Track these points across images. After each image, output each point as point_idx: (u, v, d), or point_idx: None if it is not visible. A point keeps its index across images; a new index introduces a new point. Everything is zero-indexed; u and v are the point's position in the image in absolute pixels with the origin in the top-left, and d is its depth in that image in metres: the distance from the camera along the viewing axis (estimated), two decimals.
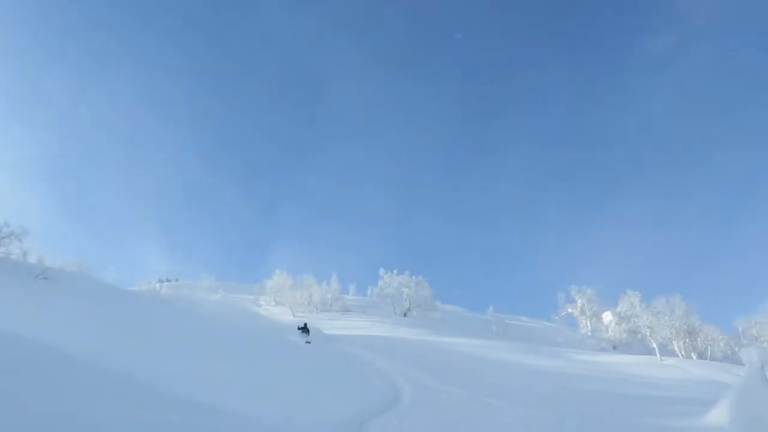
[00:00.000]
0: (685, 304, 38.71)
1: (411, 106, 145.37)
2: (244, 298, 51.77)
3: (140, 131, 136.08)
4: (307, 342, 24.13)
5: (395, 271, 51.74)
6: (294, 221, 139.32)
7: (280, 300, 50.14)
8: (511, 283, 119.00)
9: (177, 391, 6.54)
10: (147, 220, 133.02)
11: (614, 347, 42.10)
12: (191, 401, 6.11)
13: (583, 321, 47.11)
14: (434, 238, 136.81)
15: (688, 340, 38.32)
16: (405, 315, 48.52)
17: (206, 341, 14.90)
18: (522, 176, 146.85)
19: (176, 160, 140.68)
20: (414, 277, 50.88)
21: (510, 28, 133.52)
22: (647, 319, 37.80)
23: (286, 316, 40.81)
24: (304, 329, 26.58)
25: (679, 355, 36.79)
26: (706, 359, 36.24)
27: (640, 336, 40.06)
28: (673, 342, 37.97)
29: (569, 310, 48.29)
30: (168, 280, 59.68)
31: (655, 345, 35.52)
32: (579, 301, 47.67)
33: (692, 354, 37.96)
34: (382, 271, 51.82)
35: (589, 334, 45.61)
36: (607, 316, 44.88)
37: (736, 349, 35.71)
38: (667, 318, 37.52)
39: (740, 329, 39.64)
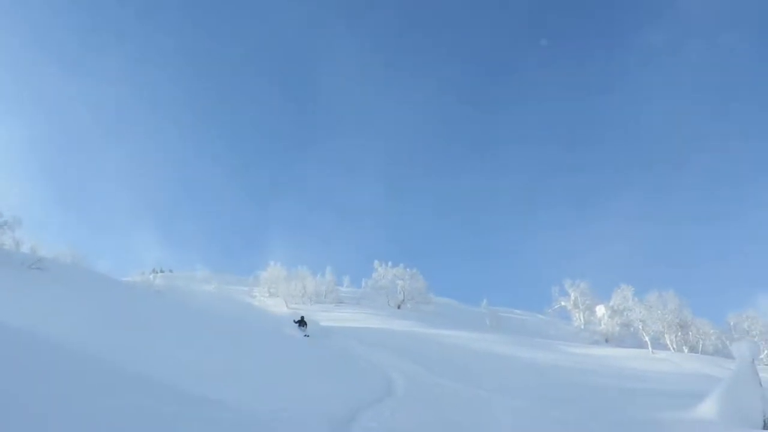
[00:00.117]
0: (677, 299, 39.03)
1: (407, 98, 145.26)
2: (238, 290, 51.76)
3: (135, 121, 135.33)
4: (305, 336, 23.75)
5: (390, 264, 51.99)
6: (289, 213, 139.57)
7: (274, 291, 50.19)
8: (505, 277, 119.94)
9: (171, 381, 6.53)
10: (142, 211, 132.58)
11: (606, 340, 42.41)
12: (185, 392, 6.10)
13: (576, 314, 47.45)
14: (429, 231, 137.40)
15: (680, 333, 38.67)
16: (399, 307, 48.71)
17: (200, 332, 14.88)
18: (517, 171, 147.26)
19: (171, 151, 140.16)
20: (408, 270, 51.15)
21: (505, 23, 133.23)
22: (640, 312, 38.11)
23: (280, 308, 40.85)
24: (301, 322, 26.07)
25: (671, 348, 37.13)
26: (698, 353, 36.61)
27: (632, 329, 40.39)
28: (665, 336, 38.30)
29: (562, 304, 48.63)
30: (162, 271, 59.52)
31: (647, 338, 35.85)
32: (572, 294, 48.00)
33: (684, 348, 38.33)
34: (376, 263, 52.06)
35: (582, 327, 45.96)
36: (600, 310, 45.20)
37: (727, 343, 36.04)
38: (659, 312, 37.82)
39: (731, 323, 39.99)
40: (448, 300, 58.45)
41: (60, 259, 30.97)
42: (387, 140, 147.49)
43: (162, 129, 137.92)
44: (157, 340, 11.43)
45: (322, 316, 33.18)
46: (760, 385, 11.81)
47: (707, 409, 11.61)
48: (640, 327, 37.51)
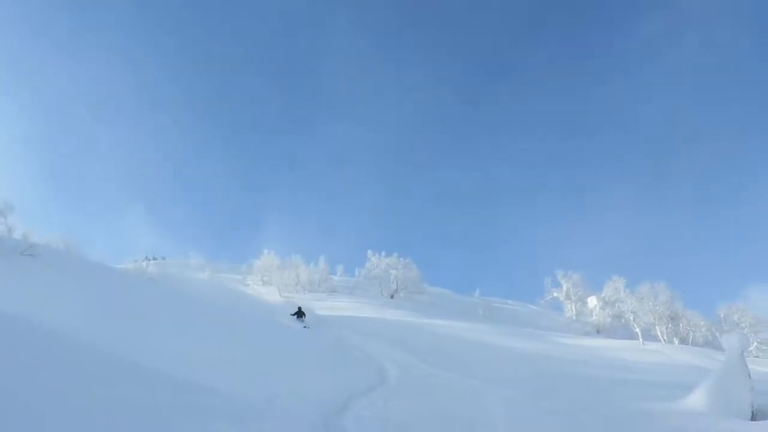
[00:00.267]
0: (668, 291, 39.32)
1: (403, 87, 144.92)
2: (231, 278, 51.66)
3: (128, 108, 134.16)
4: (304, 327, 23.29)
5: (383, 253, 51.95)
6: (283, 202, 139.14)
7: (267, 280, 50.15)
8: (498, 267, 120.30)
9: (164, 369, 6.53)
10: (135, 198, 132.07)
11: (598, 331, 42.76)
12: (179, 380, 6.11)
13: (568, 305, 47.80)
14: (423, 221, 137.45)
15: (670, 325, 39.02)
16: (392, 297, 48.77)
17: (193, 321, 14.86)
18: (512, 162, 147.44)
19: (165, 139, 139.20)
20: (402, 259, 51.14)
21: (502, 13, 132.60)
22: (631, 304, 38.38)
23: (273, 296, 40.83)
24: (299, 313, 25.51)
25: (662, 340, 37.46)
26: (688, 344, 36.95)
27: (623, 321, 40.68)
28: (656, 327, 38.62)
29: (555, 294, 48.97)
30: (155, 259, 59.34)
31: (638, 330, 36.12)
32: (565, 285, 48.32)
33: (674, 339, 38.68)
34: (369, 252, 52.01)
35: (574, 318, 46.31)
36: (592, 301, 45.53)
37: (718, 335, 36.34)
38: (650, 303, 38.10)
39: (722, 315, 40.34)
40: (442, 290, 58.60)
41: (52, 245, 30.78)
42: (383, 129, 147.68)
43: (156, 117, 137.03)
44: (151, 328, 11.40)
45: (316, 306, 33.21)
46: (749, 376, 11.97)
47: (697, 400, 11.76)
48: (632, 318, 37.80)
